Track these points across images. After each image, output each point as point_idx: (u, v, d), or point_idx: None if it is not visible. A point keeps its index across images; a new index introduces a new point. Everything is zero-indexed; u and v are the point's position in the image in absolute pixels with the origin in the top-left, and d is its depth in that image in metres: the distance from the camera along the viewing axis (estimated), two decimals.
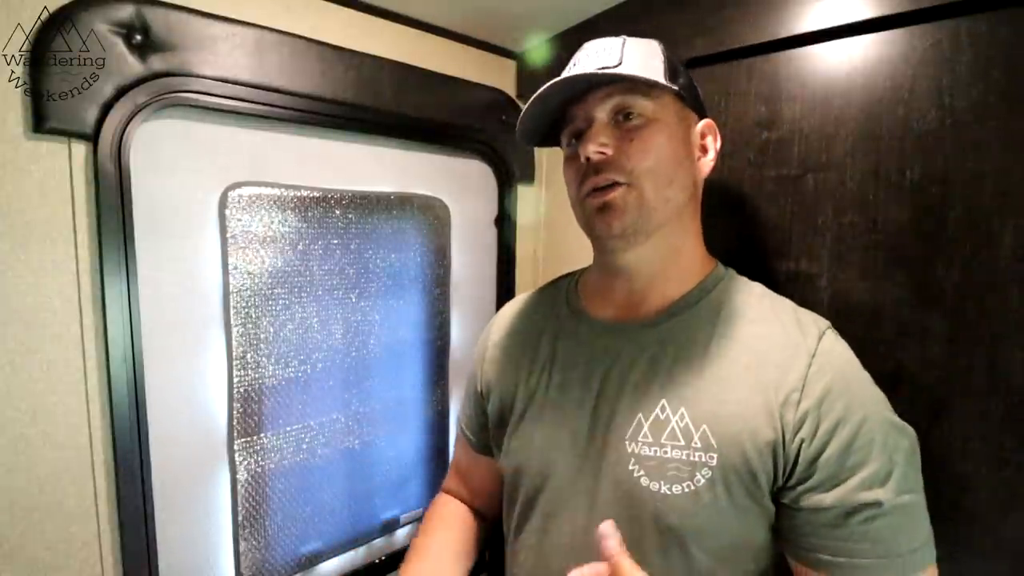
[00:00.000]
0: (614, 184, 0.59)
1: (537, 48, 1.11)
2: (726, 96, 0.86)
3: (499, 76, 1.14)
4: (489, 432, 0.77)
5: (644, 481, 0.57)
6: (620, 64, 0.58)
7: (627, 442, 0.59)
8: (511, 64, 1.17)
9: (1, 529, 0.66)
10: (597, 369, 0.64)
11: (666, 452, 0.56)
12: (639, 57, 0.59)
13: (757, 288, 0.65)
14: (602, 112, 0.60)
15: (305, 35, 0.85)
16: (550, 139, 0.69)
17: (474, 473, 0.84)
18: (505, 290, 1.21)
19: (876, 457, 0.52)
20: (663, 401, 0.58)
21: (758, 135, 0.83)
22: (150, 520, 0.76)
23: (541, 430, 0.67)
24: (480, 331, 1.20)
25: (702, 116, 0.66)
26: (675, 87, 0.60)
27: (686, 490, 0.55)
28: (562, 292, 0.75)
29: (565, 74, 0.61)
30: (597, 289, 0.70)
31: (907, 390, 0.68)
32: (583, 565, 0.61)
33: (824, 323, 0.59)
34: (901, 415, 0.56)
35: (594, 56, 0.60)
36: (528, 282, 1.27)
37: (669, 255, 0.63)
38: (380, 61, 0.93)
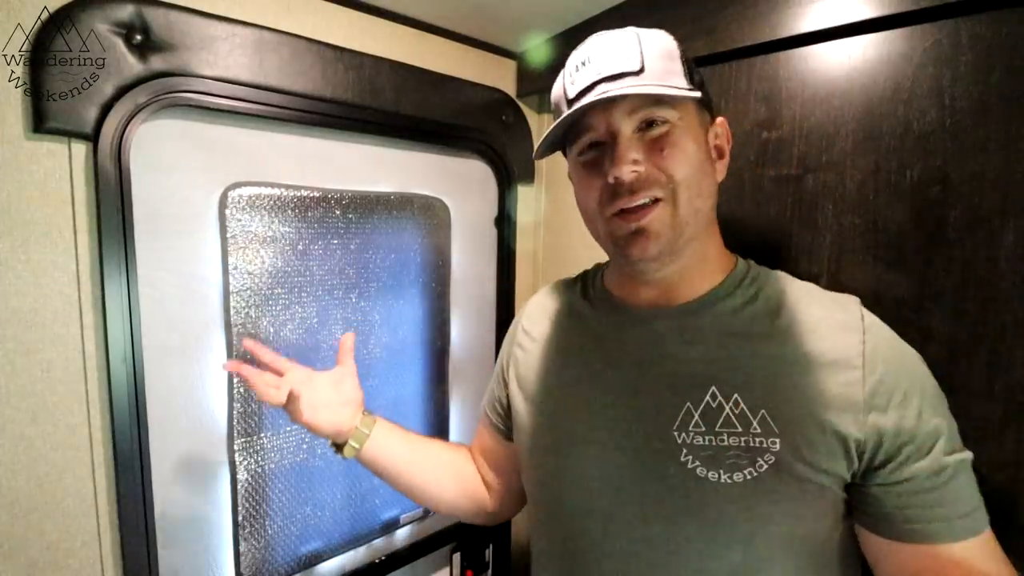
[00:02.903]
0: (650, 201, 0.56)
1: (537, 48, 1.11)
2: (726, 96, 0.86)
3: (499, 76, 1.14)
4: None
5: (701, 471, 0.55)
6: (643, 71, 0.55)
7: (676, 432, 0.57)
8: (511, 64, 1.17)
9: (1, 529, 0.66)
10: (630, 358, 0.63)
11: (723, 440, 0.55)
12: (660, 60, 0.56)
13: (782, 274, 0.64)
14: (628, 126, 0.56)
15: (305, 35, 0.85)
16: (556, 146, 0.65)
17: None
18: (505, 290, 1.21)
19: (943, 413, 0.55)
20: (713, 388, 0.57)
21: (758, 135, 0.83)
22: (150, 520, 0.76)
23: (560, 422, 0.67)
24: (480, 331, 1.22)
25: (713, 115, 0.63)
26: (699, 94, 0.55)
27: (747, 477, 0.54)
28: (589, 282, 0.74)
29: (582, 76, 0.57)
30: (623, 284, 0.68)
31: None
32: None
33: (853, 297, 0.60)
34: None
35: (611, 58, 0.56)
36: (528, 282, 1.27)
37: (695, 261, 0.61)
38: (380, 61, 0.93)
